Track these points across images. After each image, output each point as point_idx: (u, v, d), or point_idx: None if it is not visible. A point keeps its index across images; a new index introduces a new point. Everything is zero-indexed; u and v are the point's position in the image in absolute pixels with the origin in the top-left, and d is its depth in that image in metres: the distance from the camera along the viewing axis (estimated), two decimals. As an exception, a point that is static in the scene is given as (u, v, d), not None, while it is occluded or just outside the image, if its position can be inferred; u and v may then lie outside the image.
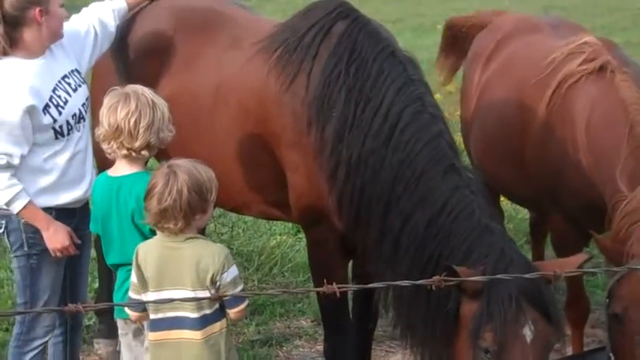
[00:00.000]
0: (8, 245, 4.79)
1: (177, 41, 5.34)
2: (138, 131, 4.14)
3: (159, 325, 3.95)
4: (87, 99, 4.81)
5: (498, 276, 3.74)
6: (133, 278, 3.99)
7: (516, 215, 7.82)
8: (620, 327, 4.34)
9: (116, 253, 4.33)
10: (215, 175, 4.41)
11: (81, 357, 5.63)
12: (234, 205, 5.50)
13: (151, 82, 4.99)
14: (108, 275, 5.40)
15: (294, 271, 7.15)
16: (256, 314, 6.61)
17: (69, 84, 4.70)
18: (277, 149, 4.82)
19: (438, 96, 6.42)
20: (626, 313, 4.28)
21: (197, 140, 5.05)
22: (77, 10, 5.03)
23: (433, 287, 3.35)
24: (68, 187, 4.68)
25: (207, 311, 3.92)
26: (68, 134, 4.64)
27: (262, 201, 5.13)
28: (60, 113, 4.59)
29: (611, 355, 4.41)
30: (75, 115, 4.67)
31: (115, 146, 4.19)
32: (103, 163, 4.78)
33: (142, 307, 3.99)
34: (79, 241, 4.66)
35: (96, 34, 4.97)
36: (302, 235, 5.79)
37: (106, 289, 5.20)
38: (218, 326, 3.95)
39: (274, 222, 7.43)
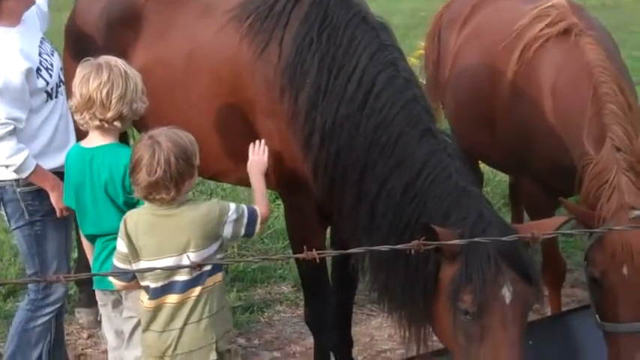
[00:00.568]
0: (6, 218, 4.80)
1: (149, 10, 5.31)
2: (110, 102, 4.12)
3: (159, 292, 3.92)
4: (61, 65, 4.86)
5: (477, 239, 3.69)
6: (121, 248, 3.96)
7: (494, 178, 7.86)
8: (600, 290, 4.37)
9: (91, 224, 4.33)
10: None
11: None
12: (212, 172, 5.49)
13: (124, 53, 5.00)
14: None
15: (274, 237, 7.18)
16: (237, 281, 6.65)
17: (46, 49, 4.76)
18: (251, 117, 4.80)
19: (413, 60, 6.42)
20: (604, 278, 4.31)
21: (173, 109, 5.04)
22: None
23: (412, 252, 3.37)
24: (55, 152, 4.71)
25: (206, 268, 3.91)
26: (56, 96, 4.69)
27: (238, 168, 5.10)
28: (50, 75, 4.66)
29: (596, 316, 4.43)
30: (58, 76, 4.74)
31: (87, 117, 4.17)
32: (78, 134, 4.76)
33: (128, 277, 3.98)
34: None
35: (38, 12, 5.01)
36: (280, 201, 5.82)
37: (85, 260, 5.20)
38: (211, 280, 3.95)
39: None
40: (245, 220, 4.02)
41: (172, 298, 3.89)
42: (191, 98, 5.05)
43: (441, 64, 6.45)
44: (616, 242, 4.23)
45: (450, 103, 6.09)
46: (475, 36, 5.87)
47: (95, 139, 4.26)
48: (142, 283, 3.96)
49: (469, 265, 3.91)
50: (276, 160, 4.79)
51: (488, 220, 4.05)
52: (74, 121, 4.45)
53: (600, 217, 4.31)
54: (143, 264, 3.90)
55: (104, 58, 4.25)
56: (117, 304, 4.38)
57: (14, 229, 4.78)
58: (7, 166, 4.51)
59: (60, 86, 4.75)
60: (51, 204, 4.64)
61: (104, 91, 4.11)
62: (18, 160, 4.48)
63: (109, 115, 4.15)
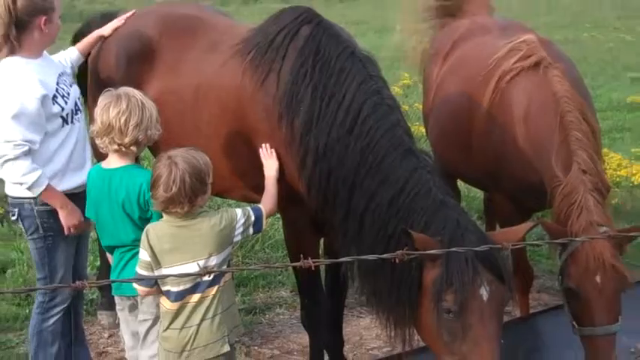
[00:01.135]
0: (23, 230, 4.77)
1: (163, 47, 5.30)
2: (127, 129, 4.15)
3: (180, 295, 3.92)
4: (79, 94, 4.86)
5: (453, 249, 3.72)
6: (144, 257, 3.96)
7: (468, 194, 7.82)
8: (576, 299, 4.37)
9: (109, 237, 4.34)
10: None
11: (85, 327, 5.62)
12: (219, 190, 5.45)
13: (141, 84, 5.00)
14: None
15: (274, 247, 7.14)
16: (241, 286, 6.60)
17: (65, 80, 4.75)
18: (253, 140, 4.78)
19: (396, 89, 6.40)
20: (579, 287, 4.32)
21: (183, 135, 5.01)
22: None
23: (396, 260, 3.36)
24: (72, 173, 4.68)
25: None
26: (71, 122, 4.66)
27: (242, 186, 5.11)
28: (66, 102, 4.62)
29: (573, 323, 4.41)
30: (75, 104, 4.71)
31: (107, 141, 4.20)
32: (98, 156, 4.74)
33: (150, 283, 3.98)
34: (90, 222, 4.65)
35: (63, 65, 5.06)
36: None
37: (106, 268, 5.18)
38: (223, 280, 3.96)
39: (255, 204, 7.40)
40: (252, 220, 4.10)
41: (194, 298, 3.90)
42: (199, 124, 5.03)
43: (425, 93, 6.42)
44: (589, 255, 4.24)
45: (433, 127, 6.08)
46: (456, 68, 5.86)
47: (114, 161, 4.26)
48: (163, 288, 3.95)
49: (450, 269, 3.91)
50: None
51: (464, 228, 4.06)
52: (95, 144, 4.42)
53: (572, 233, 4.31)
54: (164, 271, 3.90)
55: (123, 89, 4.27)
56: (133, 308, 4.36)
57: (29, 239, 4.77)
58: (20, 184, 4.49)
59: (76, 113, 4.73)
60: (59, 225, 4.62)
61: (122, 119, 4.13)
62: (31, 178, 4.45)
63: (127, 140, 4.17)
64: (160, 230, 3.95)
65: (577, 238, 4.17)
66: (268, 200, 4.42)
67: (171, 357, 3.98)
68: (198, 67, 5.12)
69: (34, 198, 4.55)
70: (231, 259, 6.69)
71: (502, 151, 5.11)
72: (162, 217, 4.00)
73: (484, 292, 3.93)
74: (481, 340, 3.92)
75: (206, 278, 3.87)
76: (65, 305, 4.85)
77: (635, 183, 8.56)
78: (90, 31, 5.58)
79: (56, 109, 4.55)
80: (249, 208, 4.14)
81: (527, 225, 4.29)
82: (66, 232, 4.63)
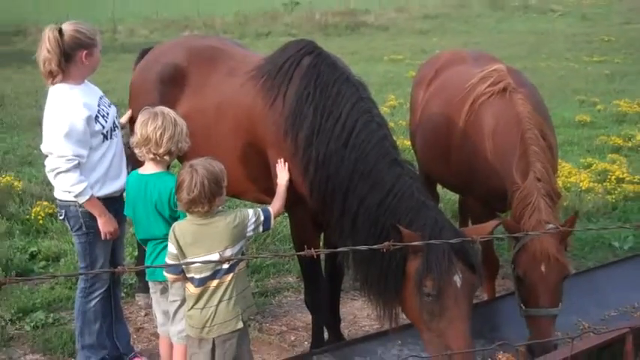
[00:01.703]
0: (69, 227, 4.76)
1: (190, 72, 5.29)
2: (162, 141, 4.16)
3: (202, 281, 3.91)
4: (117, 114, 4.82)
5: (432, 241, 3.75)
6: (171, 250, 3.95)
7: (445, 196, 7.79)
8: (524, 285, 4.38)
9: (144, 231, 4.35)
10: None
11: (125, 307, 5.62)
12: (235, 192, 5.42)
13: (173, 103, 4.98)
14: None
15: (283, 240, 7.11)
16: (255, 273, 6.58)
17: (105, 102, 4.72)
18: (264, 150, 4.76)
19: (384, 109, 6.37)
20: (526, 275, 4.33)
21: (207, 145, 4.97)
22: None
23: (385, 250, 3.35)
24: (111, 181, 4.65)
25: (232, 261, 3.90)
26: (110, 138, 4.63)
27: (255, 189, 5.08)
28: (106, 121, 4.60)
29: (521, 305, 4.41)
30: (113, 123, 4.68)
31: (144, 151, 4.20)
32: (134, 162, 4.71)
33: (178, 270, 3.97)
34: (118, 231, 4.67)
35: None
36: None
37: (142, 257, 5.16)
38: (238, 268, 3.95)
39: (267, 204, 7.38)
40: (262, 219, 4.06)
41: (213, 283, 3.89)
42: (220, 137, 5.00)
43: (412, 113, 6.41)
44: (536, 247, 4.27)
45: (419, 141, 6.07)
46: (438, 92, 5.84)
47: (149, 168, 4.25)
48: (188, 275, 3.94)
49: (429, 259, 3.94)
50: (282, 183, 4.75)
51: (442, 225, 4.08)
52: (132, 153, 4.40)
53: (524, 229, 4.32)
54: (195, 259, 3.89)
55: (159, 108, 4.28)
56: (164, 291, 4.35)
57: (74, 235, 4.75)
58: (69, 192, 4.48)
59: (114, 130, 4.69)
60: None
61: (158, 133, 4.14)
62: (78, 188, 4.44)
63: (161, 151, 4.17)
64: (184, 227, 3.94)
65: (530, 232, 4.21)
66: (277, 203, 4.38)
67: (195, 332, 3.98)
68: (219, 89, 5.11)
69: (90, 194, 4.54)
70: (247, 250, 6.75)
71: (474, 162, 5.10)
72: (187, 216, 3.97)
73: (458, 279, 3.95)
74: (455, 319, 3.94)
75: (225, 266, 3.86)
76: (103, 289, 4.83)
77: (583, 188, 8.54)
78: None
79: (98, 127, 4.53)
80: (259, 210, 4.11)
81: (493, 222, 4.29)
82: (102, 237, 4.62)
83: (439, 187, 6.75)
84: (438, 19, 34.14)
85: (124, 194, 4.64)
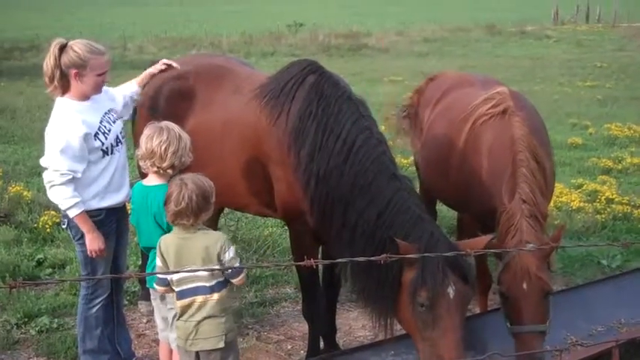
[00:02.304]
0: (71, 236, 4.77)
1: (196, 89, 5.31)
2: (167, 155, 4.17)
3: (183, 294, 3.93)
4: (122, 129, 4.80)
5: (427, 254, 3.76)
6: (158, 262, 3.98)
7: (440, 213, 7.79)
8: (508, 302, 4.36)
9: (145, 240, 4.36)
10: (223, 184, 4.38)
11: (127, 313, 5.62)
12: (237, 205, 5.47)
13: (180, 118, 5.00)
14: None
15: (282, 252, 7.10)
16: (254, 283, 6.58)
17: (110, 117, 4.69)
18: (267, 166, 4.78)
19: (383, 127, 6.38)
20: (509, 292, 4.31)
21: (211, 160, 5.01)
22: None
23: (382, 262, 3.36)
24: (113, 193, 4.65)
25: (218, 279, 3.91)
26: (111, 153, 4.62)
27: (257, 203, 5.10)
28: (106, 138, 4.58)
29: (507, 323, 4.40)
30: (115, 139, 4.66)
31: (148, 164, 4.21)
32: (140, 174, 4.73)
33: (166, 282, 4.00)
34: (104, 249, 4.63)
35: (123, 99, 5.00)
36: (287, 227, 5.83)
37: (146, 265, 5.17)
38: (225, 290, 3.96)
39: (267, 218, 7.39)
40: (236, 264, 3.95)
41: (199, 299, 3.89)
42: (224, 152, 5.03)
43: (416, 132, 6.40)
44: (517, 266, 4.24)
45: (422, 159, 6.08)
46: (444, 112, 5.83)
47: (152, 180, 4.27)
48: (174, 289, 3.97)
49: (424, 271, 3.97)
50: (283, 198, 4.76)
51: (437, 238, 4.11)
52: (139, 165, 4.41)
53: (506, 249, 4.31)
54: (174, 275, 3.92)
55: (165, 123, 4.29)
56: (163, 298, 4.37)
57: (76, 244, 4.74)
58: (60, 205, 4.49)
59: (117, 145, 4.66)
60: (102, 232, 4.61)
61: (163, 147, 4.15)
62: (69, 203, 4.44)
63: (165, 164, 4.18)
64: (168, 240, 3.96)
65: (509, 249, 4.22)
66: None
67: (180, 342, 4.03)
68: (224, 106, 5.13)
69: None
70: (247, 261, 6.75)
71: (471, 181, 5.09)
72: None
73: (451, 291, 3.97)
74: (448, 330, 3.96)
75: (207, 284, 3.88)
76: (104, 296, 4.83)
77: (573, 207, 8.55)
78: None
79: (97, 143, 4.51)
80: (238, 260, 4.01)
81: (487, 237, 4.30)
82: (88, 253, 4.61)
83: (438, 204, 6.77)
84: (437, 42, 34.25)
85: (128, 205, 4.65)
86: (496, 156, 4.93)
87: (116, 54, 26.20)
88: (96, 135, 4.52)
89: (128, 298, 6.10)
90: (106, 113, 4.67)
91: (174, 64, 5.26)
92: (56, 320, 5.79)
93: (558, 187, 9.15)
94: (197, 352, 3.98)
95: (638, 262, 7.12)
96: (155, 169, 4.21)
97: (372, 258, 3.42)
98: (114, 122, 4.70)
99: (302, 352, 5.38)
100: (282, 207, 4.81)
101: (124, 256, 5.12)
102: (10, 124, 13.74)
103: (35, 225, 7.68)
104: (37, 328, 5.67)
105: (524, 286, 4.22)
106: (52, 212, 7.69)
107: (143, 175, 4.57)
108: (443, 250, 3.92)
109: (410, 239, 4.08)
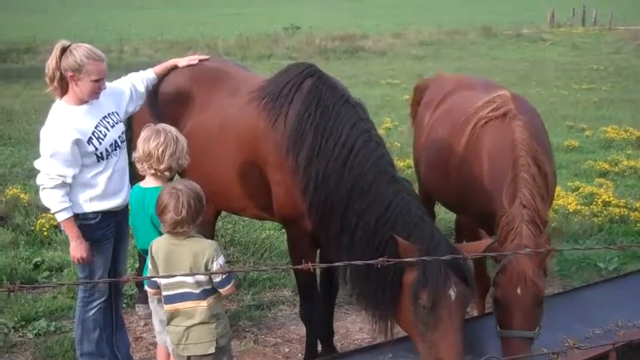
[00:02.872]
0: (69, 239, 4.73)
1: (193, 92, 5.30)
2: (164, 158, 4.16)
3: (171, 299, 3.94)
4: (122, 132, 4.76)
5: (425, 258, 3.73)
6: (149, 265, 3.99)
7: (438, 215, 7.80)
8: (500, 306, 4.34)
9: (142, 241, 4.34)
10: (220, 187, 4.37)
11: (125, 317, 5.59)
12: (234, 209, 5.46)
13: (176, 122, 4.98)
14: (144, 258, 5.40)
15: (279, 256, 7.10)
16: (252, 286, 6.58)
17: (108, 122, 4.65)
18: (264, 169, 4.77)
19: (381, 131, 6.40)
20: (503, 296, 4.28)
21: (208, 163, 5.01)
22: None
23: (379, 265, 3.35)
24: (110, 196, 4.63)
25: (206, 287, 3.90)
26: (107, 158, 4.59)
27: (253, 206, 5.09)
28: (100, 143, 4.54)
29: (497, 327, 4.39)
30: (112, 144, 4.62)
31: (145, 166, 4.21)
32: (137, 176, 4.71)
33: (156, 285, 4.04)
34: (92, 255, 4.62)
35: (131, 92, 4.97)
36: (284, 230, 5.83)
37: (143, 268, 5.17)
38: (213, 298, 3.94)
39: (265, 221, 7.39)
40: (224, 275, 3.89)
41: (188, 304, 3.89)
42: (221, 154, 5.02)
43: (417, 134, 6.39)
44: (513, 271, 4.22)
45: (422, 160, 6.07)
46: (445, 115, 5.81)
47: (150, 182, 4.27)
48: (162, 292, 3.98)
49: (426, 272, 3.96)
50: (281, 202, 4.76)
51: (438, 241, 4.10)
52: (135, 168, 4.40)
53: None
54: (163, 279, 3.93)
55: (161, 126, 4.28)
56: (160, 300, 4.33)
57: None
58: (49, 209, 4.50)
59: (115, 149, 4.64)
60: (97, 235, 4.62)
61: (160, 150, 4.14)
62: (58, 207, 4.44)
63: (162, 167, 4.17)
64: (159, 244, 3.95)
65: (506, 252, 4.21)
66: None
67: (172, 347, 4.04)
68: (221, 108, 5.12)
69: (76, 214, 4.52)
70: (244, 264, 6.75)
71: (470, 183, 5.08)
72: None
73: (452, 293, 3.97)
74: (448, 331, 3.96)
75: (195, 291, 3.87)
76: (102, 300, 4.82)
77: (570, 210, 8.56)
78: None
79: (91, 148, 4.48)
80: (229, 273, 3.96)
81: (487, 241, 4.31)
82: (71, 259, 4.62)
83: (436, 206, 6.78)
84: (434, 45, 34.33)
85: (129, 207, 4.65)
86: (497, 159, 4.92)
87: (112, 57, 26.20)
88: (89, 140, 4.49)
89: (126, 301, 6.10)
90: (104, 117, 4.64)
91: (205, 57, 5.29)
92: (54, 323, 5.79)
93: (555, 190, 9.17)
94: (189, 357, 3.97)
95: (635, 264, 7.14)
96: (152, 171, 4.21)
97: (370, 262, 3.41)
98: (112, 127, 4.66)
99: (299, 355, 5.38)
100: (280, 210, 4.81)
101: (123, 260, 5.11)
102: (6, 126, 13.75)
103: (32, 228, 7.68)
104: (34, 332, 5.66)
105: (519, 291, 4.20)
106: (49, 215, 7.67)
107: (139, 177, 4.57)
108: (443, 252, 3.91)
109: (410, 240, 4.08)
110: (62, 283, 5.87)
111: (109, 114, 4.69)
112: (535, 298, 4.23)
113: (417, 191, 5.27)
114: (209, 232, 5.42)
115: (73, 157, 4.43)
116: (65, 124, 4.44)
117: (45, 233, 7.53)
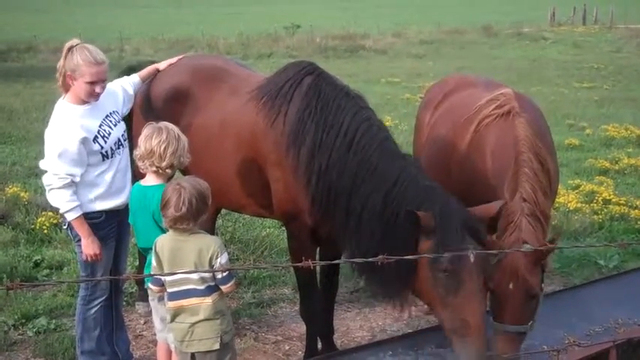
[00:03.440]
0: (71, 237, 4.76)
1: (193, 91, 5.29)
2: (166, 155, 4.16)
3: (175, 296, 3.93)
4: (125, 131, 4.79)
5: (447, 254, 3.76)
6: (153, 262, 3.97)
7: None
8: (494, 299, 4.33)
9: (143, 240, 4.34)
10: (220, 185, 4.37)
11: (125, 315, 5.59)
12: (234, 207, 5.46)
13: (176, 119, 4.97)
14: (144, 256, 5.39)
15: (279, 253, 7.10)
16: (252, 284, 6.58)
17: (111, 120, 4.68)
18: (264, 167, 4.77)
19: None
20: (496, 290, 4.27)
21: (208, 161, 5.00)
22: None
23: (379, 263, 3.31)
24: (113, 195, 4.64)
25: (210, 283, 3.90)
26: (112, 157, 4.62)
27: (254, 204, 5.08)
28: (105, 142, 4.57)
29: (491, 317, 4.38)
30: (116, 142, 4.65)
31: (147, 164, 4.20)
32: (137, 174, 4.71)
33: (160, 282, 4.01)
34: (99, 254, 4.63)
35: (123, 94, 5.01)
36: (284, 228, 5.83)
37: (144, 266, 5.16)
38: (217, 294, 3.93)
39: (265, 219, 7.39)
40: (226, 272, 3.90)
41: (192, 301, 3.88)
42: (221, 153, 5.01)
43: (417, 134, 6.38)
44: (507, 265, 4.22)
45: (424, 161, 6.03)
46: (447, 114, 5.79)
47: (150, 180, 4.26)
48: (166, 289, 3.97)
49: (443, 238, 3.97)
50: (280, 199, 4.76)
51: (452, 206, 4.13)
52: (137, 165, 4.40)
53: (502, 247, 4.28)
54: (168, 276, 3.91)
55: (163, 124, 4.28)
56: (161, 298, 4.34)
57: (76, 244, 4.73)
58: (59, 208, 4.50)
59: (118, 148, 4.67)
60: (100, 235, 4.62)
61: (162, 147, 4.14)
62: (67, 206, 4.46)
63: (164, 164, 4.17)
64: (164, 241, 3.94)
65: (505, 250, 4.15)
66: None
67: (177, 344, 4.03)
68: (222, 107, 5.11)
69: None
70: (245, 262, 6.75)
71: (473, 180, 5.08)
72: None
73: (471, 255, 3.95)
74: (471, 293, 3.98)
75: (199, 287, 3.87)
76: (103, 298, 4.83)
77: (570, 208, 8.57)
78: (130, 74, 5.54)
79: (96, 147, 4.51)
80: (230, 271, 3.97)
81: (499, 202, 4.35)
82: (83, 257, 4.62)
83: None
84: (434, 44, 34.33)
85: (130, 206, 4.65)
86: (500, 156, 4.92)
87: (113, 56, 26.20)
88: (95, 139, 4.51)
89: (126, 299, 6.08)
90: (107, 116, 4.66)
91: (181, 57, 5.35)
92: (54, 321, 5.79)
93: (555, 187, 9.17)
94: (193, 354, 3.97)
95: (636, 262, 7.14)
96: (154, 168, 4.21)
97: (370, 259, 3.39)
98: (115, 125, 4.69)
99: (300, 352, 5.37)
100: (280, 207, 4.80)
101: (124, 259, 5.11)
102: (7, 125, 13.75)
103: (33, 226, 7.68)
104: (34, 330, 5.66)
105: (511, 286, 4.21)
106: (50, 213, 7.69)
107: (139, 175, 4.57)
108: (459, 216, 3.99)
109: (423, 208, 4.07)
110: (61, 281, 5.87)
111: (110, 113, 4.72)
112: (526, 294, 4.23)
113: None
114: (210, 230, 5.42)
115: (80, 156, 4.45)
116: (71, 123, 4.46)
117: (45, 231, 7.53)
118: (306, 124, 4.53)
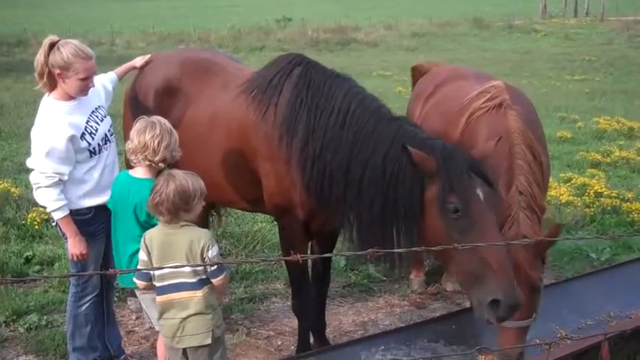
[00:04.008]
0: (60, 234, 4.71)
1: (184, 84, 5.27)
2: (159, 149, 4.11)
3: (164, 290, 3.90)
4: (111, 126, 4.75)
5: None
6: (142, 257, 3.93)
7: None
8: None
9: (120, 231, 4.30)
10: (210, 180, 4.34)
11: (117, 310, 5.58)
12: (225, 201, 5.45)
13: (166, 113, 4.94)
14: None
15: (271, 248, 7.10)
16: (244, 279, 6.56)
17: (97, 116, 4.64)
18: (254, 161, 4.75)
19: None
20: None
21: (198, 155, 4.97)
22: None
23: (367, 257, 3.28)
24: (102, 191, 4.58)
25: (202, 276, 3.87)
26: (99, 153, 4.59)
27: (244, 199, 5.07)
28: (93, 138, 4.53)
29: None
30: (103, 138, 4.61)
31: (140, 158, 4.15)
32: (128, 167, 4.68)
33: (148, 277, 3.96)
34: (86, 253, 4.60)
35: (104, 91, 4.99)
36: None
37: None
38: (208, 287, 3.91)
39: (256, 214, 7.36)
40: (217, 265, 3.88)
41: (183, 294, 3.86)
42: (211, 147, 4.99)
43: None
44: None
45: None
46: (437, 106, 5.77)
47: (140, 172, 4.22)
48: (155, 284, 3.94)
49: (449, 178, 3.94)
50: (271, 193, 4.74)
51: (451, 149, 4.10)
52: (127, 158, 4.37)
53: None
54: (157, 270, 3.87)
55: (155, 118, 4.24)
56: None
57: (65, 241, 4.69)
58: (46, 207, 4.47)
59: (106, 144, 4.64)
60: (90, 230, 4.60)
61: (156, 141, 4.10)
62: (54, 205, 4.42)
63: (157, 158, 4.13)
64: (153, 235, 3.92)
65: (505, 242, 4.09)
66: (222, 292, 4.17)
67: (166, 340, 4.00)
68: (212, 100, 5.09)
69: (70, 211, 4.50)
70: (237, 256, 6.73)
71: None
72: None
73: (480, 193, 3.96)
74: (486, 230, 3.92)
75: (189, 280, 3.84)
76: (94, 295, 4.80)
77: (563, 201, 8.57)
78: None
79: (84, 144, 4.47)
80: (222, 265, 3.97)
81: (492, 142, 4.36)
82: (69, 257, 4.60)
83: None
84: (425, 37, 34.35)
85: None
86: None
87: (104, 49, 26.12)
88: (82, 136, 4.47)
89: (117, 294, 6.06)
90: (93, 112, 4.62)
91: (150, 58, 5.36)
92: (45, 317, 5.76)
93: (547, 180, 9.18)
94: (184, 349, 3.95)
95: (627, 255, 7.15)
96: (147, 162, 4.16)
97: (359, 252, 3.36)
98: (101, 121, 4.65)
99: (292, 347, 5.36)
100: (271, 201, 4.79)
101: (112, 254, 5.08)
102: (-3, 120, 13.68)
103: (23, 222, 7.64)
104: (25, 326, 5.62)
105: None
106: (41, 209, 7.63)
107: (129, 169, 4.54)
108: (459, 158, 3.97)
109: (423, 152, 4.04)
110: (50, 276, 5.83)
111: (96, 108, 4.68)
112: (530, 288, 4.22)
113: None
114: (202, 225, 5.39)
115: (68, 154, 4.41)
116: (58, 120, 4.41)
117: (36, 227, 7.49)
118: (298, 113, 4.51)
